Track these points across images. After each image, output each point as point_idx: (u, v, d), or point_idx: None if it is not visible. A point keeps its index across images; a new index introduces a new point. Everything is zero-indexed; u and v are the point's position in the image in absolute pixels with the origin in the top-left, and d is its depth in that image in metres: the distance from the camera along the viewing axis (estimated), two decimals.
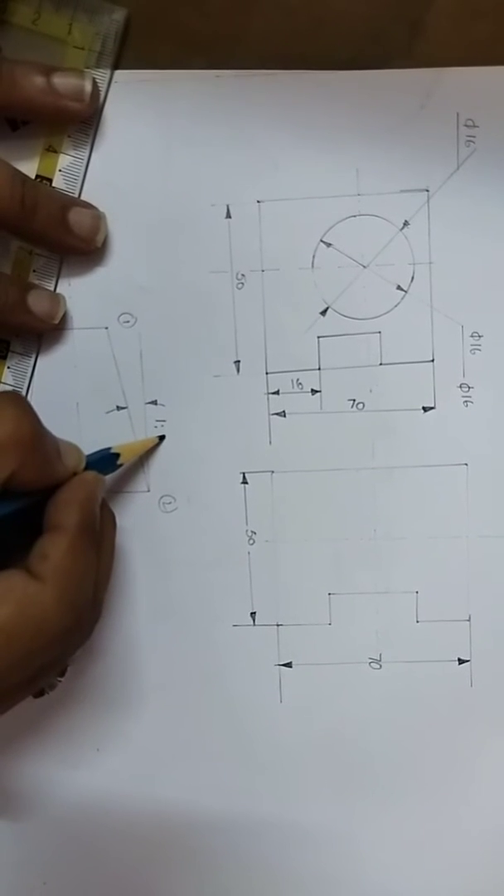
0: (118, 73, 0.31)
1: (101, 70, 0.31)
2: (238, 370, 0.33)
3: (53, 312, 0.32)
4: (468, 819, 0.34)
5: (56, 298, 0.32)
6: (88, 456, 0.30)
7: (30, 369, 0.33)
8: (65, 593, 0.27)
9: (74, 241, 0.32)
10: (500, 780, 0.34)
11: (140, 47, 0.32)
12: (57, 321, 0.32)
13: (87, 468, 0.30)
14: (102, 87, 0.31)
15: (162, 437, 0.33)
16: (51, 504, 0.28)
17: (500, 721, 0.33)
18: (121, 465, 0.32)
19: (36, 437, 0.27)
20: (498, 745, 0.34)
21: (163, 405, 0.33)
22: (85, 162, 0.32)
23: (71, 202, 0.32)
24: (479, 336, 0.32)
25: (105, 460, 0.31)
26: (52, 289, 0.33)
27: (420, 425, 0.33)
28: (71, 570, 0.27)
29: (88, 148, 0.32)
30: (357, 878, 0.34)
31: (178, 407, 0.33)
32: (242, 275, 0.32)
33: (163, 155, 0.32)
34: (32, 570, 0.27)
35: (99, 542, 0.29)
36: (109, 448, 0.31)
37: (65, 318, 0.33)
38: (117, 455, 0.32)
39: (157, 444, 0.33)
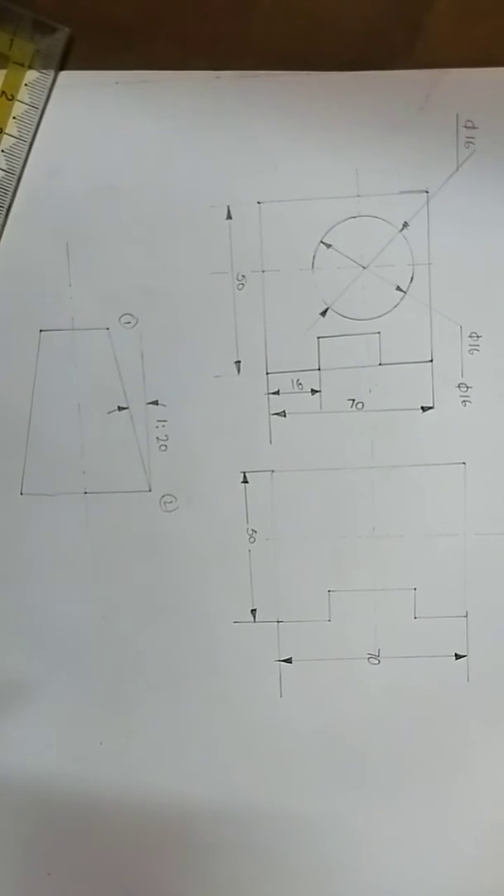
0: (119, 73, 0.31)
1: (38, 88, 0.32)
2: (238, 370, 0.33)
3: None
4: (465, 811, 0.35)
5: None
6: None
7: None
8: None
9: None
10: (496, 773, 0.34)
11: (140, 48, 0.31)
12: None
13: None
14: (39, 104, 0.32)
15: None
16: None
17: (495, 714, 0.34)
18: None
19: None
20: (494, 737, 0.34)
21: (164, 405, 0.33)
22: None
23: None
24: (478, 336, 0.32)
25: None
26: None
27: (418, 425, 0.33)
28: None
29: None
30: (355, 869, 0.35)
31: (180, 407, 0.33)
32: (243, 276, 0.32)
33: (163, 156, 0.32)
34: None
35: None
36: None
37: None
38: None
39: None
